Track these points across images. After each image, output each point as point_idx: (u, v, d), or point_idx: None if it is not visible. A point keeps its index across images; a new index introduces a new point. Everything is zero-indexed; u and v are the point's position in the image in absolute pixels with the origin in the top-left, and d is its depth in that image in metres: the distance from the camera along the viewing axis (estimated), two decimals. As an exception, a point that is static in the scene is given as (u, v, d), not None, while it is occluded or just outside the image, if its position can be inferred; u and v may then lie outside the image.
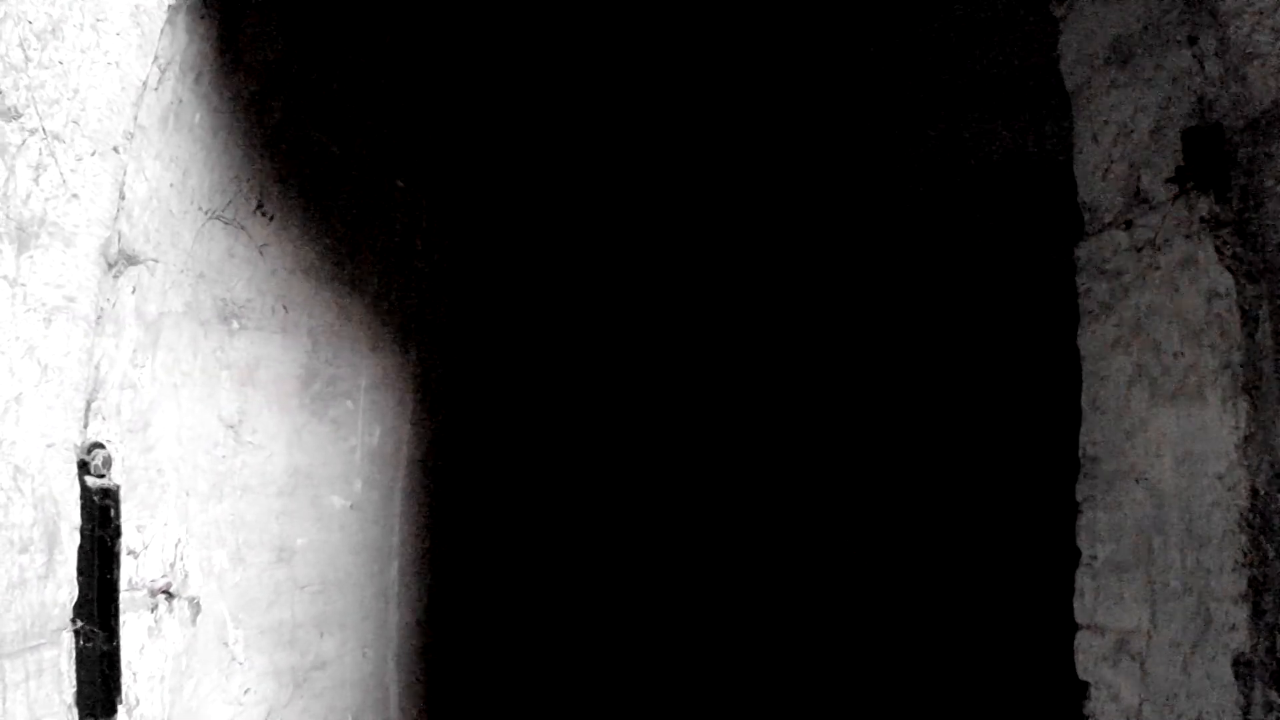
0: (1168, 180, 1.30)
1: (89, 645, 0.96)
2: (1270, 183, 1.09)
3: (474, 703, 1.98)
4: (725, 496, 3.05)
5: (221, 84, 1.15)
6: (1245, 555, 1.17)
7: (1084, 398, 1.50)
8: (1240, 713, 1.15)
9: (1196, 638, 1.25)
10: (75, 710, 0.93)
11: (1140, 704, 1.37)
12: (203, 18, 1.09)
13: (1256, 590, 1.14)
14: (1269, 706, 1.09)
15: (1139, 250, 1.39)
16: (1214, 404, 1.19)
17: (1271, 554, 1.13)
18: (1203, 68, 1.22)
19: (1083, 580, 1.50)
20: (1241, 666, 1.13)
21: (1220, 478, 1.18)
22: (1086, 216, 1.51)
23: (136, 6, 0.91)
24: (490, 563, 1.98)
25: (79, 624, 0.91)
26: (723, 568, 3.03)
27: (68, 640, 0.91)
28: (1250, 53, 1.08)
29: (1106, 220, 1.45)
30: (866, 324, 2.99)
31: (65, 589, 0.87)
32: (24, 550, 0.78)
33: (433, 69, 1.81)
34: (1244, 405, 1.17)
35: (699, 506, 3.03)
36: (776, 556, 3.03)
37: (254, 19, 1.25)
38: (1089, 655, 1.49)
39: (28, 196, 0.78)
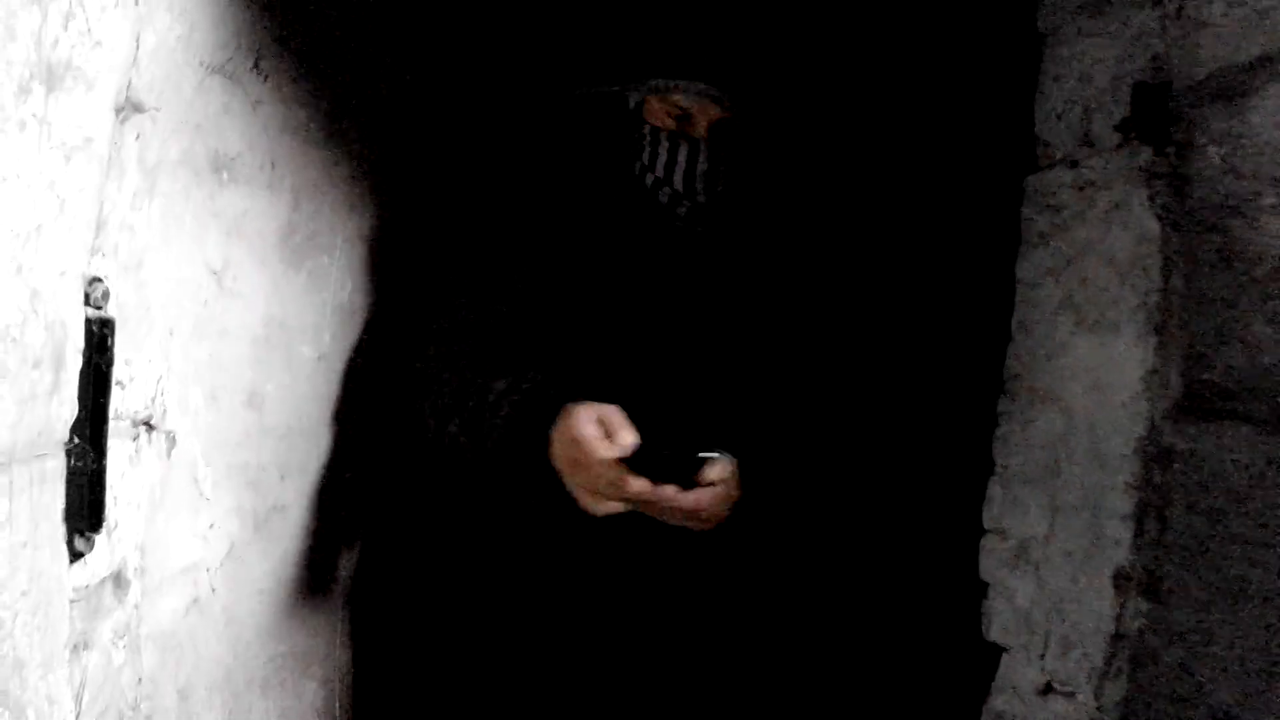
0: (1115, 127, 1.44)
1: (80, 464, 1.11)
2: (1202, 141, 1.23)
3: (424, 554, 2.20)
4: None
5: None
6: (1136, 479, 1.35)
7: (1014, 320, 1.66)
8: (1114, 620, 1.36)
9: (1087, 549, 1.44)
10: (64, 525, 1.09)
11: (1031, 606, 1.58)
12: None
13: (1141, 511, 1.33)
14: (1137, 614, 1.30)
15: (1081, 189, 1.53)
16: (1128, 338, 1.34)
17: (1158, 480, 1.32)
18: (1163, 29, 1.34)
19: (993, 488, 1.69)
20: (1121, 579, 1.33)
21: (1124, 406, 1.34)
22: (1039, 151, 1.64)
23: None
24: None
25: (73, 442, 1.06)
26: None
27: (63, 462, 1.07)
28: (1203, 21, 1.22)
29: (1056, 157, 1.58)
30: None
31: (68, 407, 1.01)
32: (36, 367, 0.92)
33: None
34: (1153, 343, 1.33)
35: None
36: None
37: None
38: (992, 558, 1.69)
39: (56, 42, 0.90)
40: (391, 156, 1.87)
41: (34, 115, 0.88)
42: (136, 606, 1.32)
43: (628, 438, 1.38)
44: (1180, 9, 1.31)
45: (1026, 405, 1.60)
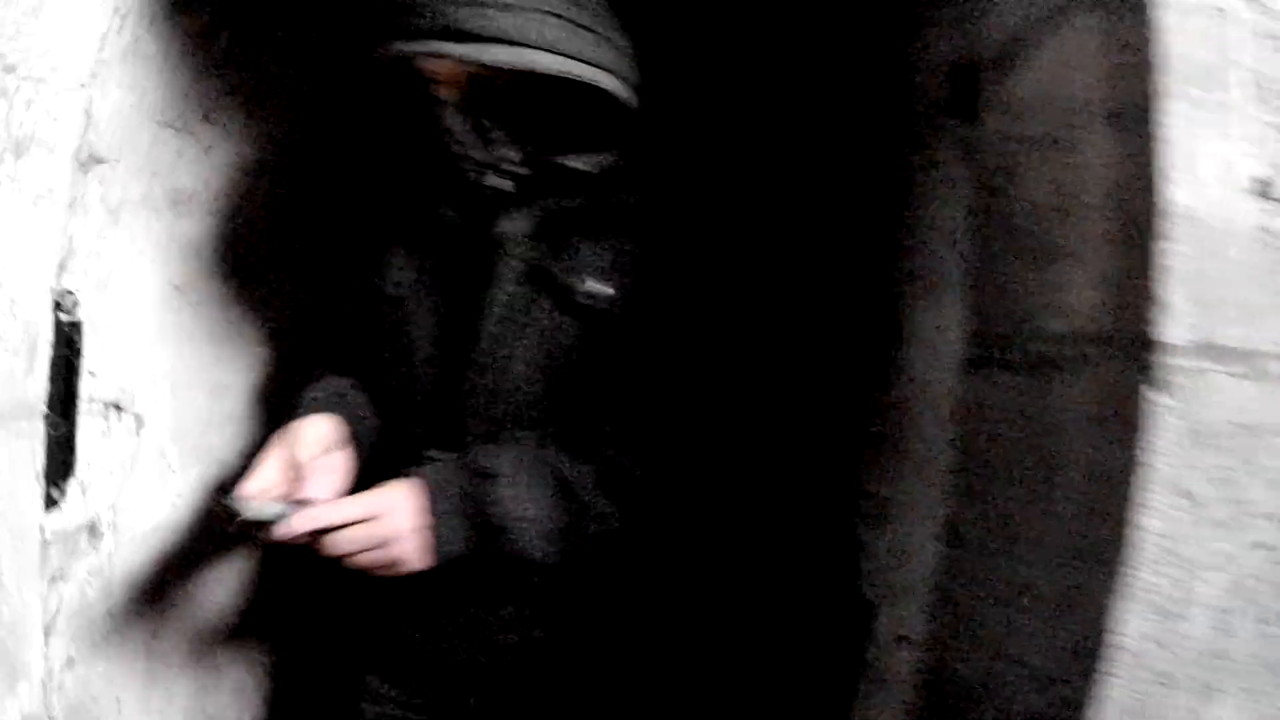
0: (944, 103, 1.70)
1: (53, 432, 1.50)
2: (986, 112, 1.49)
3: None
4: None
5: (173, 23, 1.64)
6: (953, 434, 1.52)
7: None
8: (933, 569, 1.61)
9: (924, 504, 1.62)
10: (43, 479, 1.49)
11: (889, 562, 1.85)
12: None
13: (953, 463, 1.54)
14: (945, 560, 1.55)
15: (929, 169, 1.76)
16: (950, 301, 1.57)
17: (962, 431, 1.48)
18: (971, 9, 1.56)
19: (868, 455, 1.96)
20: (940, 529, 1.57)
21: (947, 366, 1.57)
22: (918, 134, 1.90)
23: (102, -21, 1.41)
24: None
25: (48, 414, 1.46)
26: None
27: (40, 427, 1.47)
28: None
29: (921, 141, 1.84)
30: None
31: (40, 386, 1.41)
32: (15, 355, 1.32)
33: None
34: (960, 303, 1.53)
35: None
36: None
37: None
38: (864, 520, 1.97)
39: (22, 123, 1.30)
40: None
41: (7, 175, 1.29)
42: (110, 554, 1.72)
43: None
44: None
45: (891, 377, 1.90)
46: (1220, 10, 1.21)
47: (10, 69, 1.27)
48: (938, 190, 1.69)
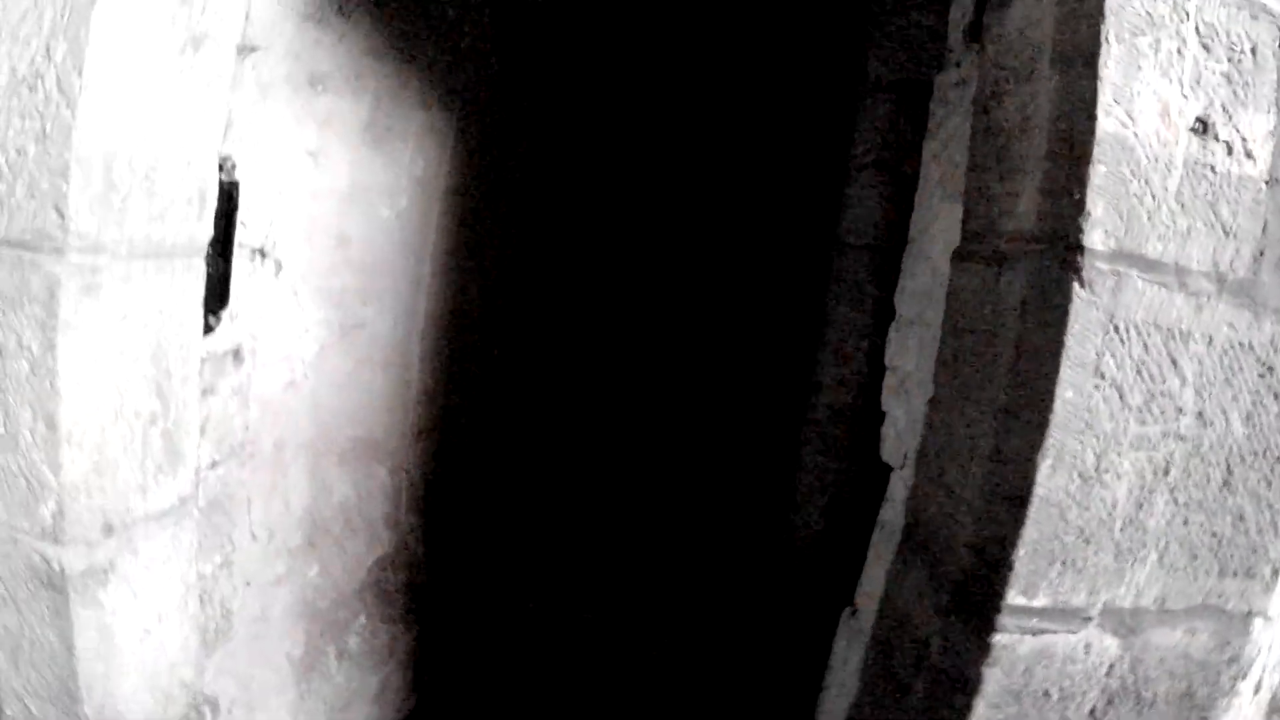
0: (964, 32, 2.13)
1: (213, 269, 2.12)
2: (987, 40, 1.81)
3: (478, 382, 3.23)
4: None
5: (315, -76, 2.21)
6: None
7: (916, 194, 2.37)
8: (922, 428, 2.05)
9: (928, 379, 2.02)
10: (202, 305, 2.11)
11: (906, 429, 2.32)
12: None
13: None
14: (930, 419, 2.03)
15: (957, 85, 2.21)
16: (957, 201, 1.95)
17: (945, 315, 1.93)
18: None
19: (891, 332, 2.40)
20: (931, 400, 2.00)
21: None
22: (946, 55, 2.32)
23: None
24: (501, 274, 3.20)
25: (210, 253, 2.08)
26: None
27: (203, 263, 2.09)
28: None
29: (952, 59, 2.26)
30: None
31: (206, 229, 2.00)
32: (189, 203, 1.92)
33: None
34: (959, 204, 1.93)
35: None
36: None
37: None
38: (886, 391, 2.43)
39: (198, 21, 1.89)
40: (461, 65, 2.83)
41: (188, 65, 1.87)
42: (248, 376, 2.35)
43: None
44: None
45: (914, 263, 2.34)
46: None
47: (188, -23, 1.85)
48: (961, 103, 2.11)
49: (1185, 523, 1.73)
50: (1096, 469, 1.68)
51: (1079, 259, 1.59)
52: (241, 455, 2.34)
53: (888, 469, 2.32)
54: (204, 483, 2.21)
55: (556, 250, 3.71)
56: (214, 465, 2.25)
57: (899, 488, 2.26)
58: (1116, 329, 1.62)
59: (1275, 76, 1.66)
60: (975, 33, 2.02)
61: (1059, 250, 1.61)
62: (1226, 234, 1.66)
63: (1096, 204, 1.58)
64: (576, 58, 3.58)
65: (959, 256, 1.86)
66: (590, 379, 4.19)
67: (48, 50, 1.62)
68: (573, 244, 3.88)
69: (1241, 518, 1.74)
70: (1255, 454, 1.71)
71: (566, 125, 3.58)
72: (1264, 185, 1.66)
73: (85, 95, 1.60)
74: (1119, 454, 1.69)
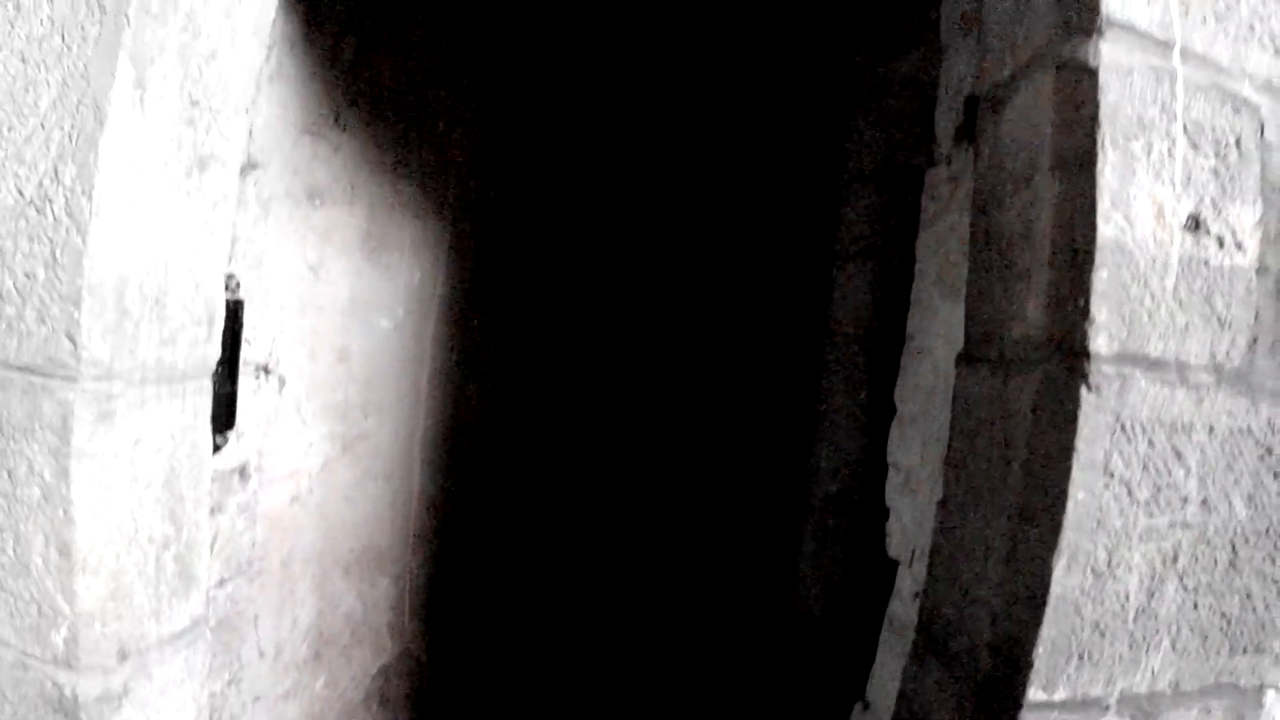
0: (956, 130, 2.19)
1: (220, 388, 2.13)
2: (982, 142, 1.82)
3: (476, 485, 3.23)
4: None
5: (308, 43, 2.24)
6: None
7: (913, 290, 2.42)
8: (933, 526, 2.09)
9: (937, 476, 2.04)
10: (210, 423, 2.12)
11: (910, 525, 2.34)
12: (292, 9, 2.18)
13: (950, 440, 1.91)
14: (937, 520, 2.04)
15: (950, 182, 2.26)
16: (961, 302, 1.92)
17: (954, 413, 2.03)
18: (976, 46, 1.98)
19: (893, 429, 2.44)
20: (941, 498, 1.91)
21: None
22: (935, 150, 2.38)
23: (255, 25, 2.01)
24: (497, 376, 3.22)
25: (217, 372, 2.09)
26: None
27: (211, 383, 2.09)
28: (987, 46, 1.83)
29: (943, 155, 2.32)
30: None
31: (215, 350, 2.02)
32: (198, 324, 1.93)
33: (470, 7, 2.89)
34: (958, 305, 1.94)
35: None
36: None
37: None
38: (891, 487, 2.45)
39: (204, 142, 1.91)
40: (454, 173, 2.88)
41: (195, 187, 1.90)
42: (255, 492, 2.35)
43: None
44: (980, 35, 1.90)
45: (913, 360, 2.37)
46: (1158, 68, 1.59)
47: (195, 103, 1.88)
48: (954, 199, 2.17)
49: (1195, 606, 1.74)
50: (1109, 564, 1.70)
51: (1086, 365, 1.61)
52: (249, 572, 2.33)
53: (888, 561, 2.33)
54: (213, 602, 2.20)
55: (554, 343, 3.73)
56: (222, 583, 2.24)
57: (907, 582, 2.26)
58: (1123, 428, 1.65)
59: (1259, 167, 1.71)
60: (967, 134, 2.07)
61: (1066, 357, 1.64)
62: (1222, 325, 1.68)
63: (1100, 310, 1.61)
64: (566, 157, 3.64)
65: (964, 359, 1.88)
66: (593, 464, 4.19)
67: (55, 173, 1.65)
68: (569, 336, 3.91)
69: (1249, 596, 1.76)
70: (1259, 533, 1.74)
71: (559, 226, 3.64)
72: (1254, 274, 1.70)
73: (96, 220, 1.63)
74: (1129, 547, 1.70)
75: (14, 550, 1.66)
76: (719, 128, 4.36)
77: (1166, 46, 1.62)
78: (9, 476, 1.65)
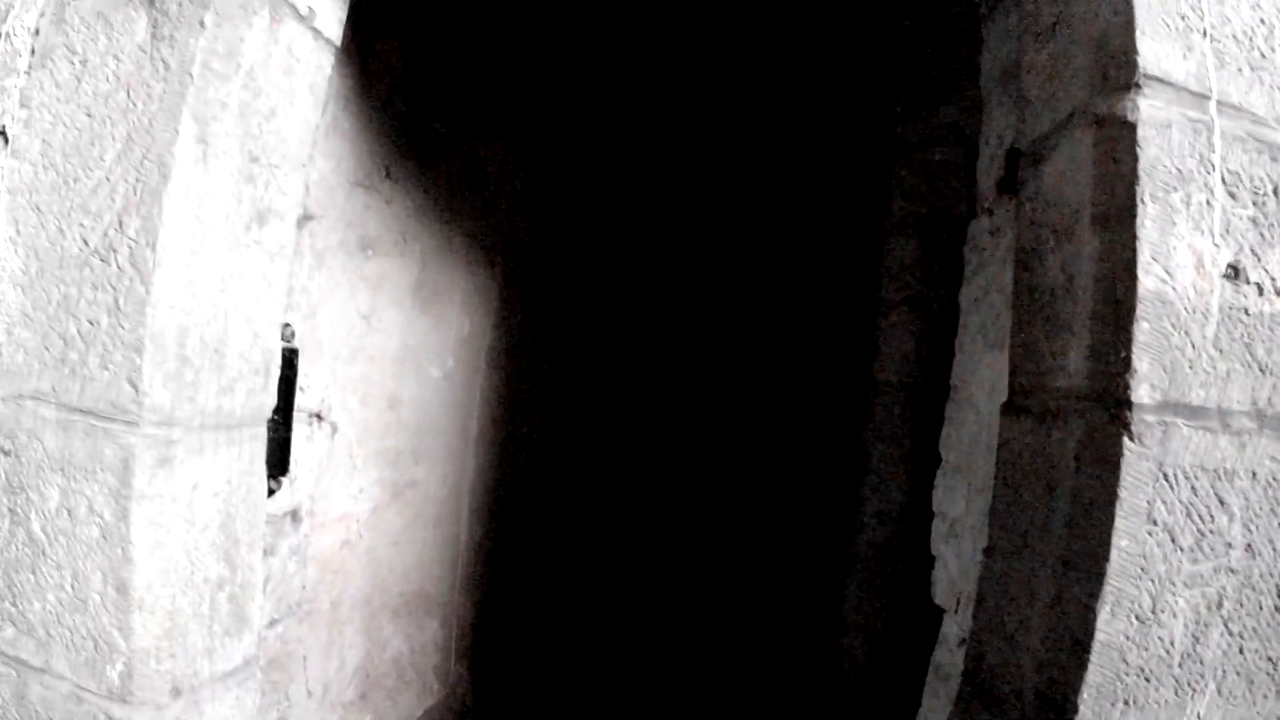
0: (997, 184, 2.21)
1: (275, 435, 2.18)
2: (1024, 196, 1.83)
3: (523, 532, 3.26)
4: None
5: (360, 99, 2.31)
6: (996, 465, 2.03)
7: (956, 340, 2.42)
8: (976, 575, 2.08)
9: (982, 525, 2.03)
10: (265, 469, 2.17)
11: (956, 573, 2.33)
12: (346, 65, 2.25)
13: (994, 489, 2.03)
14: (984, 568, 2.03)
15: (992, 234, 2.27)
16: (1004, 354, 1.96)
17: (998, 463, 2.00)
18: (1017, 99, 1.99)
19: (938, 479, 2.44)
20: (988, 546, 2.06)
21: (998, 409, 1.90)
22: (978, 202, 2.40)
23: (312, 83, 2.08)
24: (544, 425, 3.25)
25: (272, 419, 2.14)
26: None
27: (266, 430, 2.15)
28: (1025, 97, 1.85)
29: (985, 206, 2.33)
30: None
31: (271, 398, 2.07)
32: (256, 374, 1.99)
33: (516, 62, 2.96)
34: (1004, 356, 1.94)
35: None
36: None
37: (382, 49, 2.41)
38: (936, 535, 2.44)
39: (263, 197, 1.98)
40: (504, 224, 2.95)
41: (254, 240, 1.96)
42: (306, 536, 2.40)
43: None
44: (1019, 89, 1.94)
45: (958, 410, 2.38)
46: (1195, 121, 1.61)
47: (254, 159, 1.94)
48: (997, 250, 2.18)
49: (1241, 651, 1.72)
50: (1153, 610, 1.70)
51: (1128, 415, 1.62)
52: (299, 613, 2.37)
53: (932, 608, 2.33)
54: (264, 642, 2.24)
55: (601, 391, 3.78)
56: (272, 624, 2.28)
57: (953, 630, 2.26)
58: (1166, 476, 1.65)
59: (1296, 214, 1.71)
60: (1009, 186, 2.09)
61: (1109, 407, 1.65)
62: (1263, 372, 1.68)
63: (1142, 360, 1.62)
64: (617, 206, 3.70)
65: (1008, 411, 1.89)
66: (639, 512, 4.22)
67: (120, 224, 1.72)
68: (617, 383, 3.95)
69: (1294, 640, 1.75)
70: (1306, 577, 1.73)
71: (608, 273, 3.69)
72: (1293, 321, 1.70)
73: (159, 271, 1.70)
74: (1173, 594, 1.70)
75: (72, 587, 1.71)
76: (765, 171, 4.41)
77: (1203, 98, 1.63)
78: (69, 515, 1.71)
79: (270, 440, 2.10)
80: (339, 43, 2.02)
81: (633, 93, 3.79)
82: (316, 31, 1.98)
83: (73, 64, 1.87)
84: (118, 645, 1.70)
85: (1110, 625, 1.67)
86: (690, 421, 4.29)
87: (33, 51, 1.92)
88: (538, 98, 3.04)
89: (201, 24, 1.80)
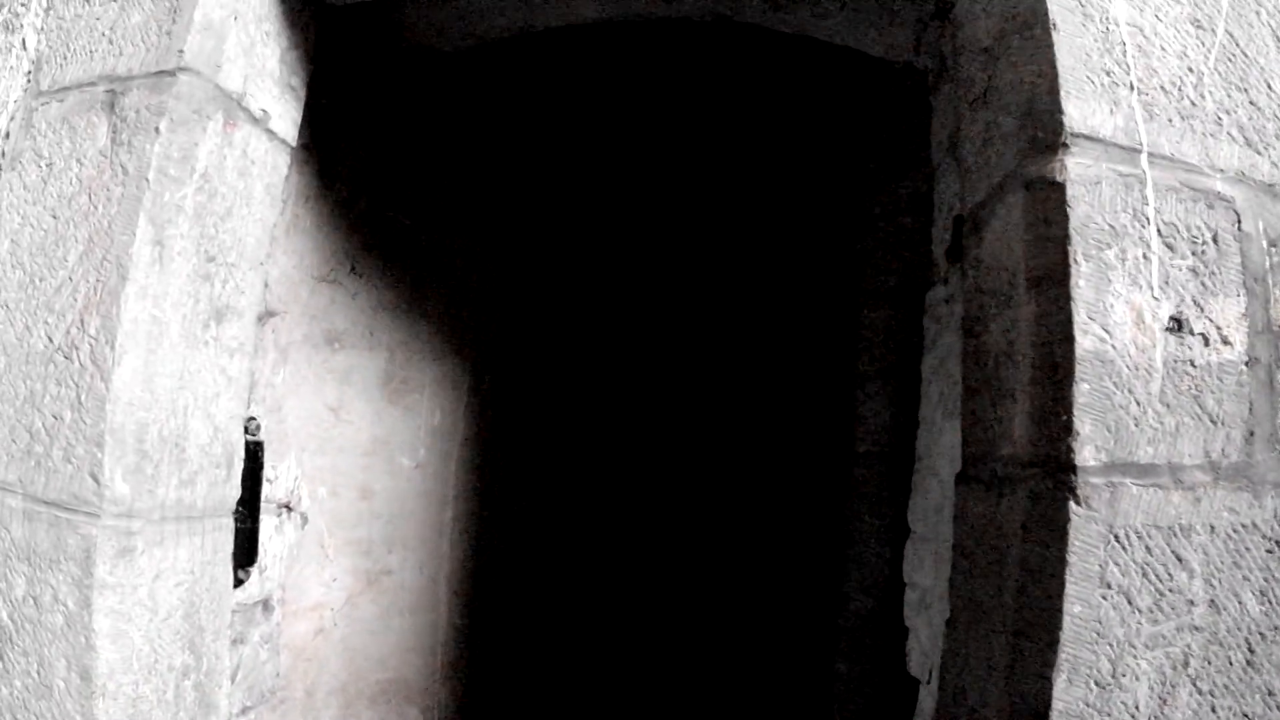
0: (946, 253, 2.21)
1: (242, 525, 2.18)
2: (968, 264, 1.85)
3: (505, 618, 3.22)
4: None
5: (322, 197, 2.36)
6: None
7: (920, 410, 2.41)
8: (941, 648, 2.08)
9: (946, 594, 2.11)
10: (231, 561, 2.16)
11: (929, 645, 2.30)
12: (305, 163, 2.29)
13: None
14: (946, 640, 2.01)
15: (947, 302, 2.27)
16: (957, 423, 1.94)
17: (956, 534, 2.00)
18: (956, 165, 2.04)
19: (908, 549, 2.41)
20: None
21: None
22: (933, 270, 2.39)
23: (268, 184, 2.11)
24: (519, 515, 3.24)
25: (238, 511, 2.14)
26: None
27: (231, 523, 2.14)
28: (964, 165, 1.87)
29: (940, 275, 2.32)
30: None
31: (234, 490, 2.08)
32: (218, 466, 2.00)
33: (478, 158, 3.01)
34: (959, 424, 1.93)
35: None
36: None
37: (343, 146, 2.45)
38: (908, 606, 2.41)
39: (220, 295, 2.00)
40: (472, 313, 2.96)
41: (213, 337, 1.98)
42: (278, 624, 2.38)
43: None
44: (959, 157, 1.96)
45: (923, 479, 2.37)
46: (1126, 175, 1.61)
47: (211, 259, 1.97)
48: (952, 319, 2.18)
49: (1213, 710, 1.71)
50: (1113, 674, 1.67)
51: (1073, 478, 1.61)
52: (272, 700, 2.34)
53: (913, 679, 2.30)
54: (237, 733, 2.22)
55: (579, 473, 3.77)
56: (245, 711, 2.26)
57: (927, 702, 2.23)
58: (1117, 538, 1.63)
59: (1239, 259, 1.71)
60: (957, 254, 2.10)
61: (1053, 472, 1.64)
62: (1214, 423, 1.68)
63: (1084, 422, 1.61)
64: (592, 287, 3.73)
65: (961, 480, 1.89)
66: (623, 592, 4.18)
67: (82, 322, 1.78)
68: (594, 464, 3.94)
69: (1271, 693, 1.71)
70: (1275, 629, 1.70)
71: (581, 357, 3.70)
72: (1244, 367, 1.69)
73: (118, 369, 1.75)
74: (1135, 656, 1.67)
75: (38, 673, 1.75)
76: (736, 239, 4.44)
77: (1134, 152, 1.67)
78: (35, 603, 1.75)
79: (237, 531, 2.11)
80: (294, 143, 2.06)
81: (602, 176, 3.84)
82: (272, 133, 2.02)
83: (39, 167, 1.92)
84: (82, 732, 1.68)
85: (1068, 693, 1.64)
86: (676, 494, 4.27)
87: (3, 154, 1.97)
88: (505, 190, 3.08)
89: (157, 130, 1.84)
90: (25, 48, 2.06)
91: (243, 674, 2.24)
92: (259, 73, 2.07)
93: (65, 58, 2.02)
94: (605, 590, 4.16)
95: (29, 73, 2.03)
